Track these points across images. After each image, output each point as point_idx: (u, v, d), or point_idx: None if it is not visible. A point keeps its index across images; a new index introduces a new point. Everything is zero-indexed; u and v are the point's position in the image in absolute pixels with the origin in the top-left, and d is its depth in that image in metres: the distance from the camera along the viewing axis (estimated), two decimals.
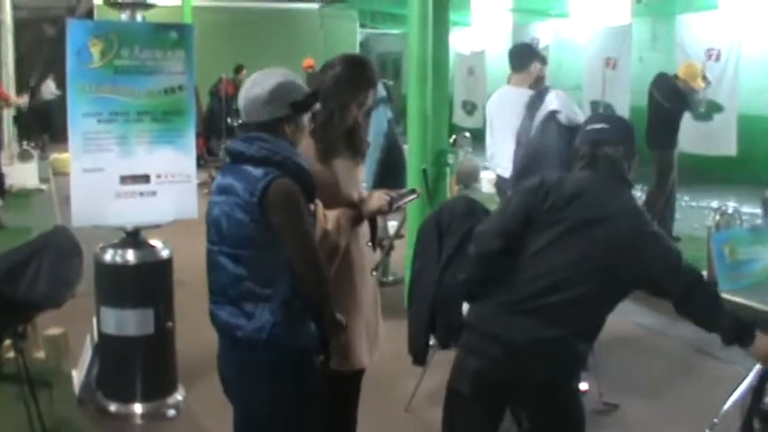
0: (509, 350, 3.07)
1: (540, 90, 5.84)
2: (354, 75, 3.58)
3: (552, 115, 5.46)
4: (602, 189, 3.17)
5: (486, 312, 3.17)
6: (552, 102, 5.53)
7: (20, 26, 19.02)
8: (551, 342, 3.05)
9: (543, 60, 6.57)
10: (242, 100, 3.08)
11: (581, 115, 5.71)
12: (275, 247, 2.95)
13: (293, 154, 3.03)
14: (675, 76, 9.29)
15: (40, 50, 19.56)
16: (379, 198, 3.58)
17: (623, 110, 13.10)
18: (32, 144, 15.08)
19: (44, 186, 13.95)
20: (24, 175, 13.87)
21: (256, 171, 2.95)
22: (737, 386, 4.07)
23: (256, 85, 3.04)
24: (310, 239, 3.04)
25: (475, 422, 3.26)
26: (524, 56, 6.42)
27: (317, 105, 3.20)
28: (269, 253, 2.95)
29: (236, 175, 3.00)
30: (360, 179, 3.75)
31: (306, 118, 3.13)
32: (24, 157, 14.04)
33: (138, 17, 5.10)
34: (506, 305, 3.10)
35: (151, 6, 5.13)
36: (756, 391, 3.63)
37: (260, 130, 3.04)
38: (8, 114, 14.99)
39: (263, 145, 2.98)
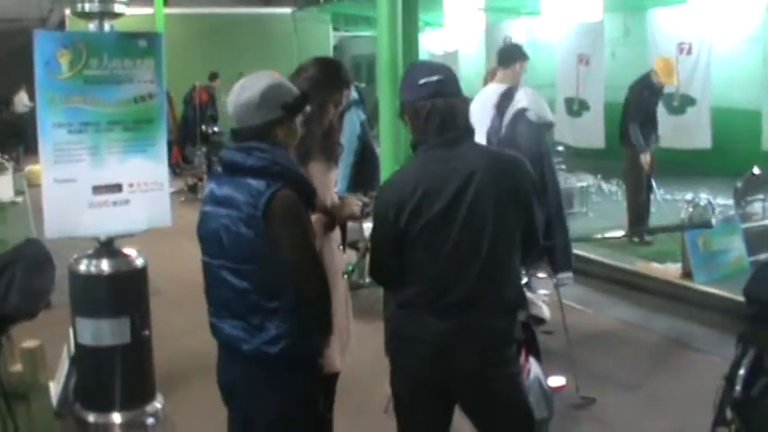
0: (433, 347, 3.05)
1: (509, 88, 5.87)
2: (328, 75, 3.62)
3: (521, 113, 5.50)
4: (459, 156, 3.04)
5: (403, 315, 3.14)
6: (521, 99, 5.57)
7: None
8: (469, 328, 3.02)
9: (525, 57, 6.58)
10: (232, 106, 3.02)
11: (550, 113, 5.76)
12: (279, 258, 2.92)
13: (291, 162, 3.02)
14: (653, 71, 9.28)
15: (12, 62, 19.41)
16: (351, 204, 3.61)
17: (598, 106, 13.21)
18: (7, 157, 14.96)
19: (19, 199, 13.79)
20: None
21: (257, 183, 2.91)
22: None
23: (246, 90, 3.00)
24: (313, 250, 3.04)
25: (420, 422, 3.22)
26: (509, 54, 6.39)
27: (308, 108, 3.17)
28: (273, 265, 2.93)
29: (234, 187, 2.96)
30: (332, 183, 3.76)
31: (298, 121, 3.11)
32: None
33: (107, 26, 5.08)
34: (417, 307, 3.08)
35: (119, 15, 5.10)
36: (728, 380, 3.67)
37: (252, 134, 2.99)
38: None
39: (261, 155, 2.94)
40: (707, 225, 6.82)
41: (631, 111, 9.11)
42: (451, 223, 2.98)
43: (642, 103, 9.06)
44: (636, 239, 9.01)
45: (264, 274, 2.94)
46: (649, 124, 9.12)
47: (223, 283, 3.01)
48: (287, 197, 2.91)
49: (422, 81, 3.08)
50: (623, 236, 8.80)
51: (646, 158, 8.96)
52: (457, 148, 3.05)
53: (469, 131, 3.15)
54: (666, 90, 11.32)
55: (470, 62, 16.68)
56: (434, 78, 3.08)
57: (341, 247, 3.73)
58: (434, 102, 3.05)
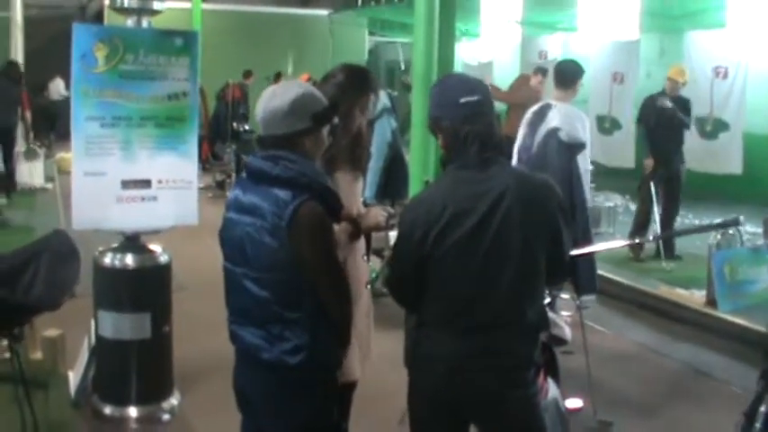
0: (452, 366, 3.02)
1: (542, 106, 5.83)
2: (354, 80, 3.61)
3: (553, 132, 5.46)
4: (490, 177, 2.99)
5: (423, 334, 3.12)
6: (554, 118, 5.53)
7: (30, 24, 19.06)
8: (489, 350, 3.00)
9: (544, 73, 6.54)
10: (261, 112, 2.99)
11: (582, 132, 5.71)
12: (302, 270, 2.91)
13: (318, 174, 3.01)
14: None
15: (50, 49, 19.62)
16: (377, 214, 3.59)
17: (630, 125, 13.13)
18: (39, 143, 15.10)
19: (49, 185, 13.99)
20: (30, 173, 13.91)
21: (283, 193, 2.89)
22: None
23: (276, 97, 2.98)
24: (337, 263, 3.03)
25: None
26: (570, 75, 6.16)
27: (336, 119, 3.15)
28: (296, 276, 2.91)
29: (261, 197, 2.94)
30: (359, 193, 3.76)
31: (325, 131, 3.08)
32: (30, 155, 14.07)
33: (144, 23, 5.12)
34: (438, 327, 3.06)
35: (157, 12, 5.15)
36: (748, 416, 3.63)
37: (279, 143, 2.97)
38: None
39: (289, 165, 2.92)
40: (735, 223, 6.74)
41: (640, 113, 9.58)
42: (478, 245, 2.96)
43: (653, 106, 9.30)
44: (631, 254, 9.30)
45: (286, 284, 2.93)
46: (664, 133, 9.25)
47: (244, 292, 3.00)
48: (313, 209, 2.90)
49: (462, 100, 3.01)
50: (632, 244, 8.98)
51: (648, 163, 9.33)
52: (488, 170, 3.02)
53: (501, 152, 3.13)
54: (699, 114, 11.32)
55: (505, 73, 16.63)
56: (474, 98, 3.01)
57: (365, 257, 3.72)
58: (474, 126, 2.99)
